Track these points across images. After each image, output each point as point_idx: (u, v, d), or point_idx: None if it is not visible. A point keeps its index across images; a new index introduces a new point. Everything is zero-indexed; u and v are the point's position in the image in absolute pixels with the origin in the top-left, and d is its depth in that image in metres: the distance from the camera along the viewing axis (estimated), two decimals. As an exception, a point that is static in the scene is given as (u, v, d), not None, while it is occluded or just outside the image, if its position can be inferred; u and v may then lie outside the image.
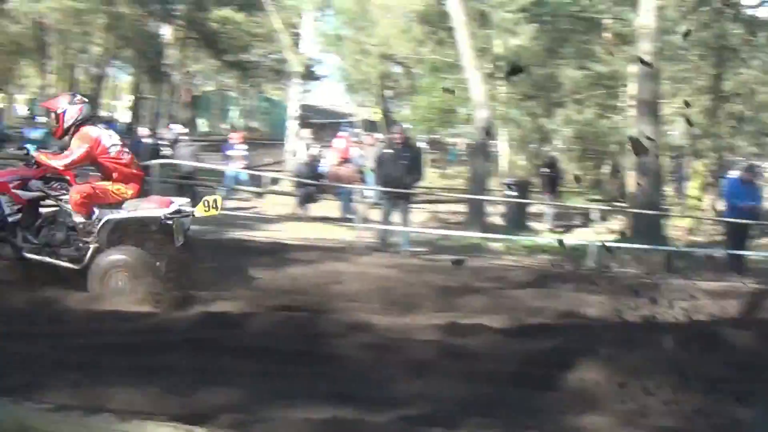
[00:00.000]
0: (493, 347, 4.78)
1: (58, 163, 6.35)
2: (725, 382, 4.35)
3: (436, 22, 22.30)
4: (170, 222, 6.32)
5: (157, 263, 6.15)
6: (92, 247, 6.21)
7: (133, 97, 38.26)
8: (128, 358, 4.28)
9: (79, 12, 28.19)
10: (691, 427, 3.57)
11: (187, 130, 19.39)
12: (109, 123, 16.41)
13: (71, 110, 6.46)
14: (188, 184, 14.50)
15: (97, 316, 5.27)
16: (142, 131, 18.70)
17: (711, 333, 5.29)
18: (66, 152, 6.40)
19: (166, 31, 32.84)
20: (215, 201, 6.49)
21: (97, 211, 6.26)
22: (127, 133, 19.38)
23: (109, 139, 6.52)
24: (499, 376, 4.28)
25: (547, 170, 18.21)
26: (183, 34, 33.15)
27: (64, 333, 4.81)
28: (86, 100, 6.86)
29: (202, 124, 40.56)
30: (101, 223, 6.20)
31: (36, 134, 17.75)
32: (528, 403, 3.90)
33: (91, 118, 6.78)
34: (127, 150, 6.72)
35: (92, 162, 6.54)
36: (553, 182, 18.15)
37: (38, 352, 4.24)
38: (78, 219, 6.24)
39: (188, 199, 7.05)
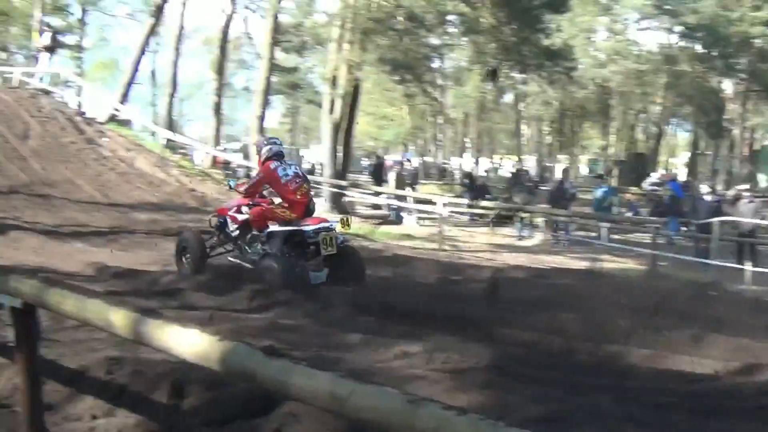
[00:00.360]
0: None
1: (240, 189, 8.82)
2: None
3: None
4: (316, 235, 8.03)
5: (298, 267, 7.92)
6: (262, 252, 8.25)
7: (690, 153, 37.95)
8: (694, 420, 4.18)
9: (641, 73, 29.35)
10: None
11: (747, 186, 18.47)
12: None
13: (264, 149, 8.58)
14: (749, 242, 13.76)
15: (661, 373, 5.29)
16: (702, 188, 18.35)
17: None
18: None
19: (728, 85, 31.98)
20: (348, 218, 9.08)
21: (270, 226, 8.16)
22: (684, 188, 19.26)
23: (284, 171, 8.35)
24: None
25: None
26: (744, 87, 31.87)
27: (628, 388, 4.94)
28: (277, 140, 9.13)
29: (764, 179, 38.05)
30: (266, 234, 8.19)
31: (598, 193, 18.92)
32: None
33: (276, 155, 8.53)
34: (298, 181, 8.39)
35: (270, 186, 8.57)
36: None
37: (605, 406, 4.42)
38: (255, 232, 8.35)
39: (337, 219, 8.99)
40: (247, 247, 8.66)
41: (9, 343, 3.69)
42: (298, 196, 8.42)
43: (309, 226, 8.18)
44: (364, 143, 48.33)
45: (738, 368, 5.28)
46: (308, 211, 8.59)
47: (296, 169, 8.79)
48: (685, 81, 30.68)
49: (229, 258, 8.93)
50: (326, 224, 8.34)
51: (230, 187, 9.62)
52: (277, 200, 8.61)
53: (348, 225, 8.78)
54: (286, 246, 8.19)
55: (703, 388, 4.93)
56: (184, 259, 8.99)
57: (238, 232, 8.70)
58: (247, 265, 8.50)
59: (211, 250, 9.04)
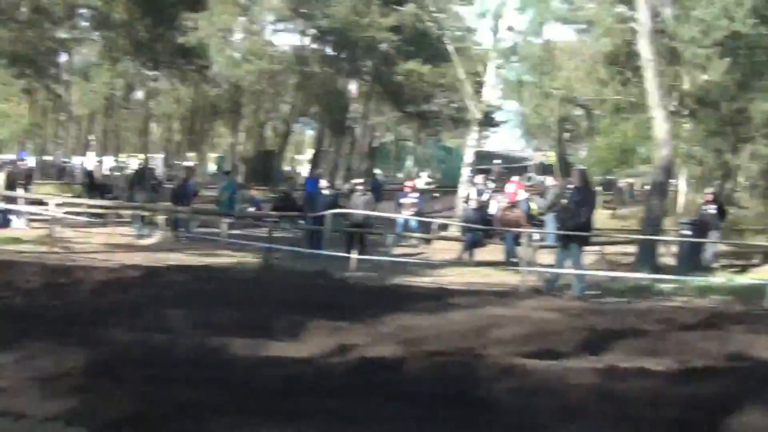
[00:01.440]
0: (654, 391, 4.57)
1: None
2: None
3: (622, 62, 21.99)
4: None
5: None
6: None
7: (314, 150, 40.49)
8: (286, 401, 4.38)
9: (274, 73, 30.41)
10: None
11: (362, 180, 20.17)
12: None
13: None
14: (359, 232, 15.17)
15: (262, 361, 5.50)
16: (321, 183, 19.74)
17: None
18: None
19: (353, 86, 34.59)
20: None
21: None
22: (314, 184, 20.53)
23: None
24: (659, 421, 4.10)
25: (712, 206, 17.11)
26: (368, 88, 34.73)
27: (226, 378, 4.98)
28: None
29: (381, 174, 41.95)
30: None
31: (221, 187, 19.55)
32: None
33: None
34: None
35: None
36: (719, 217, 17.08)
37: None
38: None
39: None
40: None
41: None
42: None
43: None
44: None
45: (332, 350, 5.73)
46: None
47: None
48: (314, 82, 32.57)
49: None
50: None
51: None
52: None
53: None
54: None
55: (299, 370, 5.24)
56: None
57: None
58: None
59: None
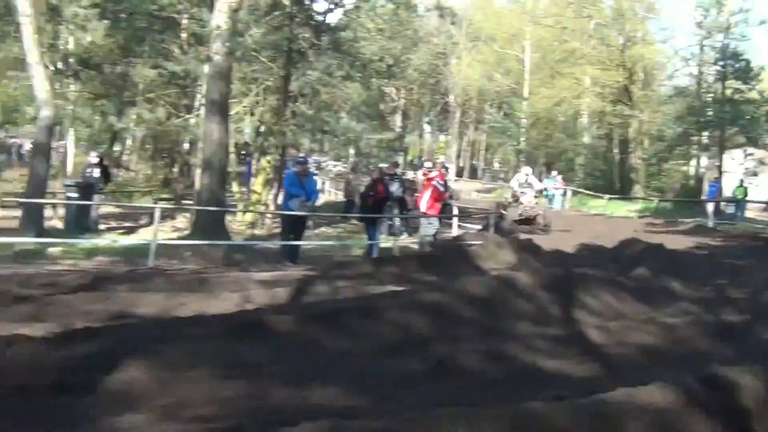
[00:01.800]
0: (32, 357, 4.43)
1: None
2: (271, 365, 4.70)
3: (2, 14, 20.15)
4: None
5: None
6: None
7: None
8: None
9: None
10: (231, 411, 3.74)
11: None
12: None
13: None
14: None
15: None
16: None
17: (257, 321, 5.64)
18: None
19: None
20: None
21: None
22: None
23: None
24: (36, 388, 3.98)
25: (96, 168, 17.51)
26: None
27: None
28: None
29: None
30: None
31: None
32: (68, 412, 3.70)
33: None
34: None
35: None
36: (103, 179, 17.66)
37: None
38: None
39: None
40: None
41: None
42: None
43: None
44: None
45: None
46: None
47: None
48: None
49: None
50: None
51: None
52: None
53: None
54: None
55: None
56: None
57: None
58: None
59: None
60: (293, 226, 13.16)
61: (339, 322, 5.79)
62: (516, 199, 19.10)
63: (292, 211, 13.07)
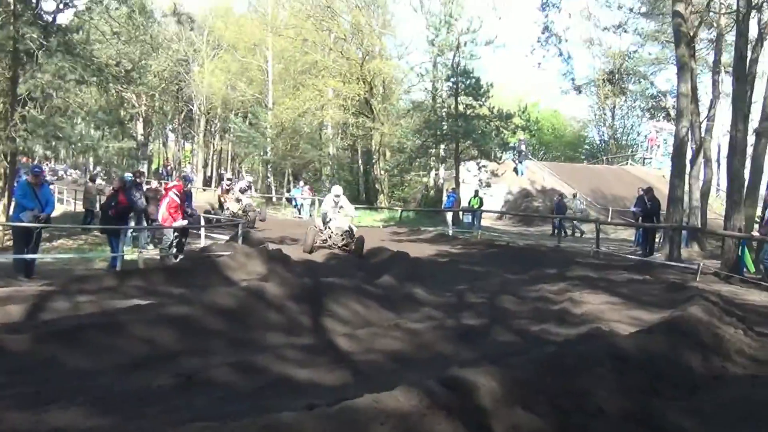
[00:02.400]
0: None
1: None
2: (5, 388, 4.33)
3: None
4: None
5: None
6: None
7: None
8: None
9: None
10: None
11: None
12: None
13: None
14: None
15: None
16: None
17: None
18: None
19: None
20: None
21: None
22: None
23: None
24: None
25: None
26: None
27: None
28: None
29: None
30: None
31: None
32: None
33: None
34: None
35: None
36: None
37: None
38: None
39: None
40: None
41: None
42: None
43: None
44: None
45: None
46: None
47: None
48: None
49: None
50: None
51: None
52: None
53: None
54: None
55: None
56: None
57: None
58: None
59: None
60: (27, 239, 12.08)
61: (80, 339, 5.48)
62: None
63: (24, 223, 12.00)
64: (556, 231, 25.57)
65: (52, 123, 18.21)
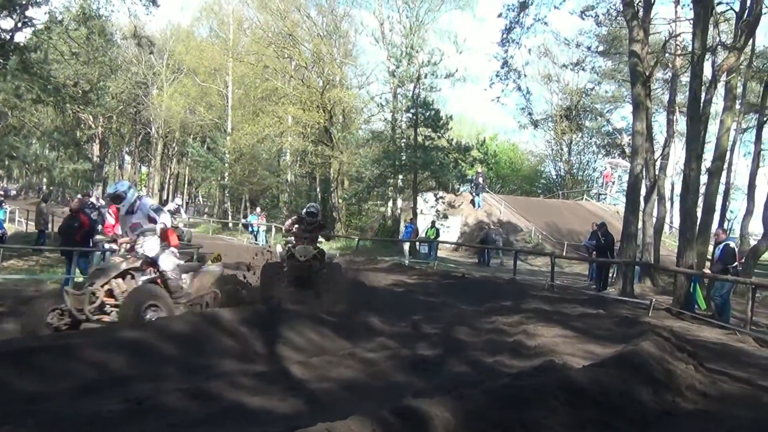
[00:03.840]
0: None
1: None
2: None
3: None
4: None
5: None
6: None
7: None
8: None
9: None
10: None
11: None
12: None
13: None
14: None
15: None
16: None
17: None
18: None
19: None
20: None
21: None
22: None
23: None
24: None
25: None
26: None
27: None
28: None
29: None
30: None
31: None
32: None
33: None
34: None
35: None
36: None
37: None
38: None
39: None
40: None
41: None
42: None
43: None
44: None
45: None
46: None
47: None
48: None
49: None
50: None
51: None
52: None
53: None
54: None
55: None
56: None
57: None
58: None
59: None
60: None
61: (30, 362, 5.37)
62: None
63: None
64: (481, 259, 28.97)
65: (6, 142, 17.92)
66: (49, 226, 22.37)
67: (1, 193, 24.56)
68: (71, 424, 4.26)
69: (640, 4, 19.44)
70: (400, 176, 34.91)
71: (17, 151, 17.98)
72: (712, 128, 21.10)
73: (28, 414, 4.43)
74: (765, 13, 17.84)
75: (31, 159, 18.33)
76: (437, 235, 29.04)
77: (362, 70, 43.60)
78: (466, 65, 73.88)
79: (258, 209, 38.99)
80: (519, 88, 29.43)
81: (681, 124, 28.53)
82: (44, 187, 39.52)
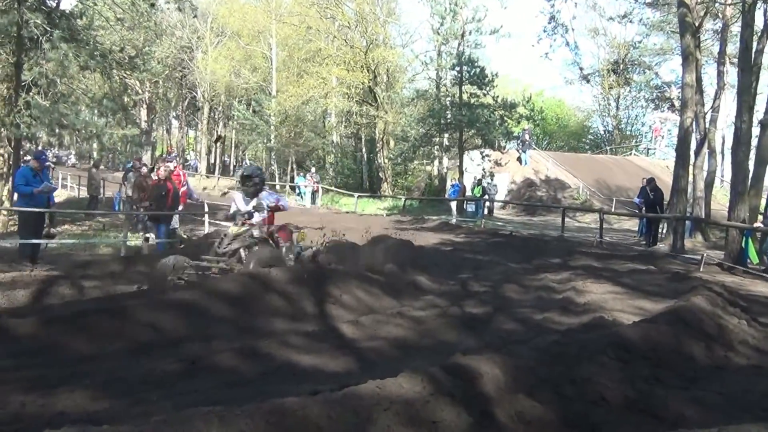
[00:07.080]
0: None
1: None
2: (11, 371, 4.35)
3: None
4: None
5: None
6: None
7: None
8: None
9: None
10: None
11: None
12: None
13: None
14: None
15: None
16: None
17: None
18: None
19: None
20: None
21: None
22: None
23: None
24: None
25: None
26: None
27: None
28: None
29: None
30: None
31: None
32: None
33: None
34: None
35: None
36: None
37: None
38: None
39: None
40: None
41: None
42: None
43: None
44: None
45: None
46: None
47: None
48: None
49: None
50: None
51: None
52: None
53: None
54: None
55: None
56: None
57: None
58: None
59: None
60: (35, 224, 12.11)
61: (85, 324, 5.49)
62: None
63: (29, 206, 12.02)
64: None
65: (56, 110, 18.18)
66: (101, 191, 22.77)
67: (53, 159, 24.92)
68: (127, 383, 4.35)
69: (690, -50, 18.78)
70: (446, 135, 34.73)
71: (68, 118, 18.24)
72: (764, 79, 20.43)
73: (84, 374, 4.53)
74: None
75: (81, 126, 18.60)
76: (484, 193, 28.86)
77: (406, 29, 43.32)
78: (510, 21, 72.40)
79: (313, 170, 38.98)
80: (567, 43, 28.80)
81: (732, 75, 27.62)
82: (95, 153, 40.23)
